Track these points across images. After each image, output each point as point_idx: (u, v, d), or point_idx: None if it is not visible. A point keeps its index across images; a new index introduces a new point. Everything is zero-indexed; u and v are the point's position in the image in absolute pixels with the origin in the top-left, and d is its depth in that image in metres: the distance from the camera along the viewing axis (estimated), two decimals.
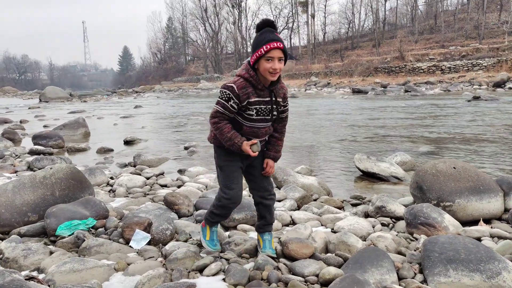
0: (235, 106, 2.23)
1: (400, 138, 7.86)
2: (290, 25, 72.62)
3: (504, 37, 37.42)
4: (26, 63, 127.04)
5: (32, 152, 6.37)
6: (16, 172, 4.88)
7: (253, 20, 76.33)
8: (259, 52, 2.21)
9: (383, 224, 3.09)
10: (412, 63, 32.33)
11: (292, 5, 68.14)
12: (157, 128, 10.82)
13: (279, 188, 4.01)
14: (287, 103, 2.46)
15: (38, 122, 12.35)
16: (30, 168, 5.09)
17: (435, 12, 53.39)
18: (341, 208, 3.66)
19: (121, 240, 2.62)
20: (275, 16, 74.93)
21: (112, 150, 6.95)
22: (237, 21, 70.54)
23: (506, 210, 3.25)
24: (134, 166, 5.33)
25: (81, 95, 35.00)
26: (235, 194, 2.37)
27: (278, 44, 2.22)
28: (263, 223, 2.55)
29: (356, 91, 26.64)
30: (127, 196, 3.77)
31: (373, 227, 2.98)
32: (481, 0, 45.57)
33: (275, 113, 2.34)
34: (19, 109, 20.21)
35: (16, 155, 6.21)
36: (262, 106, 2.28)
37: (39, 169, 5.01)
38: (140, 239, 2.53)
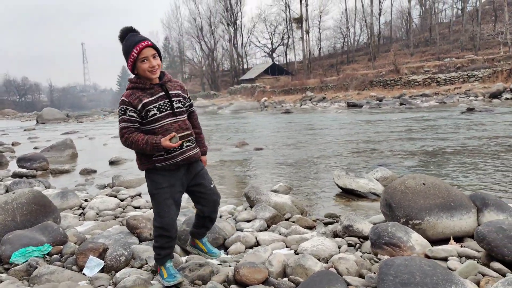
0: (134, 115, 2.25)
1: (386, 152, 7.80)
2: (286, 41, 73.25)
3: (499, 47, 37.62)
4: (26, 85, 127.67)
5: (15, 175, 6.31)
6: (13, 191, 4.82)
7: (248, 37, 77.02)
8: (132, 57, 2.27)
9: (349, 245, 2.99)
10: (407, 76, 32.42)
11: (286, 22, 68.76)
12: None
13: (251, 208, 3.94)
14: (189, 96, 2.52)
15: (29, 144, 12.31)
16: (7, 191, 5.02)
17: (430, 24, 53.81)
18: (312, 227, 3.59)
19: (74, 267, 2.53)
20: (270, 33, 75.64)
21: (95, 171, 6.89)
22: (232, 38, 71.11)
23: None
24: (112, 187, 5.27)
25: (78, 116, 35.11)
26: (167, 223, 2.35)
27: (146, 42, 2.28)
28: (204, 231, 2.67)
29: (351, 105, 26.68)
30: (97, 220, 3.70)
31: (339, 247, 2.90)
32: (475, 11, 46.00)
33: (178, 104, 2.36)
34: (15, 131, 20.22)
35: None
36: (160, 102, 2.29)
37: None
38: (93, 266, 2.45)
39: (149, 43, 2.30)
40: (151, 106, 2.26)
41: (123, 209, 4.10)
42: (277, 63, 70.60)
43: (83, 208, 4.11)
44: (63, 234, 2.81)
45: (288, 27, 69.12)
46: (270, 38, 77.26)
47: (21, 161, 6.94)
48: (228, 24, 69.29)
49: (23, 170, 6.43)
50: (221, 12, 69.63)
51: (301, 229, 3.24)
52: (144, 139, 2.23)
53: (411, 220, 3.07)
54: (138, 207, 4.14)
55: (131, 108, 2.24)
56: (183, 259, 2.69)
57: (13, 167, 7.44)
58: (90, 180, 6.06)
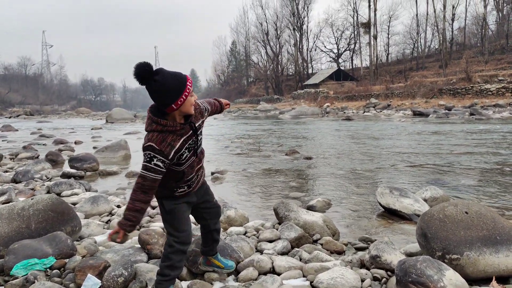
0: (161, 165, 2.11)
1: (445, 167, 7.23)
2: (352, 46, 71.82)
3: None
4: (102, 86, 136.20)
5: (64, 175, 6.55)
6: (33, 197, 5.00)
7: (314, 42, 76.50)
8: (187, 91, 2.13)
9: (375, 279, 2.68)
10: (480, 85, 30.41)
11: (354, 27, 67.46)
12: None
13: (279, 224, 3.74)
14: (206, 108, 2.46)
15: (91, 143, 12.91)
16: (49, 192, 5.19)
17: (507, 31, 50.23)
18: (341, 252, 3.31)
19: (72, 285, 2.43)
20: (337, 38, 74.59)
21: None
22: (298, 43, 70.92)
23: None
24: None
25: (145, 116, 36.55)
26: (188, 235, 2.34)
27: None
28: (215, 245, 2.64)
29: (417, 114, 25.47)
30: None
31: (362, 281, 2.62)
32: None
33: (200, 136, 2.36)
34: (83, 129, 21.41)
35: (48, 178, 6.42)
36: (189, 142, 2.22)
37: (58, 194, 5.12)
38: (90, 285, 2.33)
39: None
40: (183, 150, 2.18)
41: (152, 217, 4.05)
42: (342, 68, 69.49)
43: (113, 215, 4.11)
44: (71, 246, 2.75)
45: (355, 32, 67.91)
46: (336, 43, 76.20)
47: (72, 161, 7.21)
48: (294, 29, 69.28)
49: (72, 171, 6.67)
50: (288, 17, 69.81)
51: (324, 256, 2.97)
52: (131, 203, 2.16)
53: (448, 254, 2.72)
54: None
55: (160, 158, 2.11)
56: (184, 284, 2.53)
57: (67, 167, 7.77)
58: (132, 184, 6.14)
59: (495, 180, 6.05)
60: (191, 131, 2.22)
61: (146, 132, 2.19)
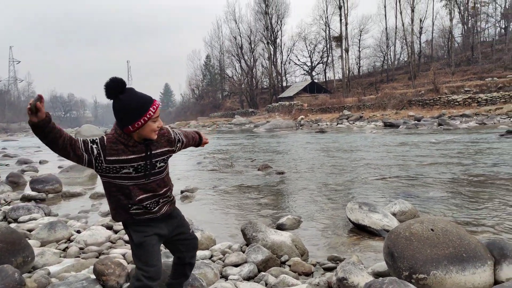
0: (95, 152, 2.03)
1: (413, 179, 7.28)
2: (325, 59, 72.91)
3: None
4: (72, 102, 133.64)
5: (24, 198, 6.27)
6: None
7: (288, 55, 77.28)
8: (149, 115, 2.06)
9: None
10: (447, 96, 31.23)
11: (326, 40, 68.56)
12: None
13: (247, 246, 3.62)
14: (181, 140, 2.41)
15: (57, 162, 12.50)
16: (5, 218, 4.93)
17: (472, 43, 52.02)
18: (309, 274, 3.23)
19: None
20: (310, 51, 75.62)
21: None
22: (272, 56, 71.49)
23: (496, 283, 2.70)
24: None
25: None
26: (157, 271, 2.20)
27: (158, 102, 2.15)
28: (183, 280, 2.53)
29: (388, 125, 25.90)
30: (78, 257, 3.48)
31: None
32: None
33: (161, 164, 2.24)
34: None
35: (7, 202, 6.13)
36: (140, 163, 2.12)
37: (15, 219, 4.87)
38: None
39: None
40: (126, 165, 2.08)
41: (113, 243, 3.87)
42: (316, 81, 70.32)
43: (71, 241, 3.91)
44: (18, 280, 2.55)
45: (328, 46, 68.96)
46: (310, 56, 77.24)
47: (34, 183, 6.91)
48: (268, 43, 69.84)
49: (34, 193, 6.39)
50: (261, 31, 70.35)
51: (291, 280, 2.86)
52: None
53: (414, 273, 2.66)
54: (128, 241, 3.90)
55: (99, 148, 2.03)
56: None
57: (28, 189, 7.45)
58: (96, 206, 5.92)
59: (462, 192, 6.11)
60: (144, 154, 2.12)
61: None
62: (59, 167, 10.87)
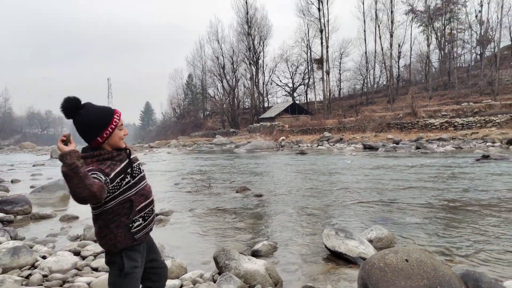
0: (102, 177, 1.99)
1: (391, 204, 7.28)
2: (306, 81, 73.85)
3: None
4: (50, 119, 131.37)
5: None
6: None
7: (270, 76, 78.03)
8: (114, 123, 2.13)
9: None
10: (425, 119, 31.83)
11: (308, 62, 69.54)
12: None
13: (220, 275, 3.51)
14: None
15: (30, 181, 12.16)
16: None
17: (449, 68, 53.48)
18: None
19: None
20: (291, 73, 76.60)
21: (77, 217, 6.55)
22: (254, 77, 72.02)
23: None
24: (81, 240, 4.90)
25: None
26: None
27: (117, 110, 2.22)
28: None
29: (367, 147, 26.13)
30: (41, 285, 3.31)
31: None
32: (494, 57, 45.58)
33: (142, 169, 2.30)
34: (24, 166, 20.28)
35: None
36: (129, 168, 2.17)
37: None
38: None
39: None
40: (124, 175, 2.11)
41: (79, 270, 3.71)
42: (297, 102, 71.01)
43: (35, 268, 3.73)
44: None
45: (309, 68, 69.95)
46: (291, 78, 78.18)
47: (2, 203, 6.65)
48: (250, 63, 70.44)
49: (1, 215, 6.15)
50: (244, 51, 70.99)
51: None
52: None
53: None
54: (96, 269, 3.74)
55: (100, 174, 1.99)
56: None
57: None
58: (65, 229, 5.71)
59: (438, 217, 6.12)
60: (128, 159, 2.17)
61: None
62: (31, 186, 10.55)
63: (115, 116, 2.15)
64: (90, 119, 2.08)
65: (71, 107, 2.07)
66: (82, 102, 2.12)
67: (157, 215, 6.66)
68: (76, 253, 4.23)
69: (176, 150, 38.89)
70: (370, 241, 4.66)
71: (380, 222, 5.91)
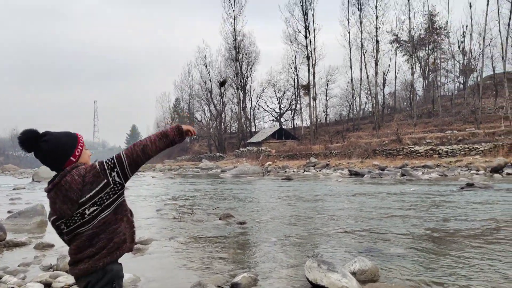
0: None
1: (376, 233, 7.19)
2: (293, 106, 74.48)
3: (500, 122, 37.61)
4: None
5: None
6: None
7: (257, 101, 78.58)
8: (81, 143, 2.18)
9: None
10: (410, 146, 32.14)
11: (295, 88, 70.30)
12: None
13: None
14: None
15: (8, 206, 11.83)
16: None
17: (433, 97, 54.49)
18: None
19: None
20: (279, 98, 77.25)
21: (52, 245, 6.32)
22: (241, 102, 72.40)
23: None
24: (54, 270, 4.69)
25: None
26: None
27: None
28: None
29: (353, 174, 26.16)
30: None
31: None
32: (476, 86, 46.64)
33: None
34: (4, 189, 19.82)
35: None
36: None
37: None
38: None
39: None
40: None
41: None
42: (284, 127, 71.45)
43: None
44: None
45: (296, 93, 70.66)
46: (279, 103, 78.83)
47: None
48: (237, 88, 70.93)
49: None
50: (232, 76, 71.55)
51: None
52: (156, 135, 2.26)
53: None
54: None
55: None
56: None
57: None
58: (39, 258, 5.48)
59: (423, 247, 6.05)
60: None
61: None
62: (9, 211, 10.24)
63: (79, 136, 2.21)
64: (61, 141, 2.08)
65: (33, 137, 2.03)
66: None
67: (136, 243, 6.47)
68: (47, 285, 4.03)
69: (161, 174, 38.54)
70: (354, 273, 4.54)
71: (364, 252, 5.81)
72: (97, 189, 2.03)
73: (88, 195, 2.02)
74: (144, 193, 17.00)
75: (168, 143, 2.26)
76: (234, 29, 65.85)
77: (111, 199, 2.08)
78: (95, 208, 2.04)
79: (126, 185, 2.21)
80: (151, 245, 6.60)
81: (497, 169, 21.36)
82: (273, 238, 7.05)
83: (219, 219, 9.19)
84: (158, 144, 2.21)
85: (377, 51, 53.53)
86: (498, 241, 6.32)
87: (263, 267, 5.21)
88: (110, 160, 2.14)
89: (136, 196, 15.06)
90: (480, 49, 45.74)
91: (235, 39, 66.27)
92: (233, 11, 64.83)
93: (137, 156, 2.16)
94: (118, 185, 2.12)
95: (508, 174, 20.53)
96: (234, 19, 65.20)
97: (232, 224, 8.50)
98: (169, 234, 7.50)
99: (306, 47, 58.35)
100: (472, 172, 22.46)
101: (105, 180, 2.07)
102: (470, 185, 14.38)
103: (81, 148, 2.16)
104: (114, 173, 2.10)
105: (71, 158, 2.10)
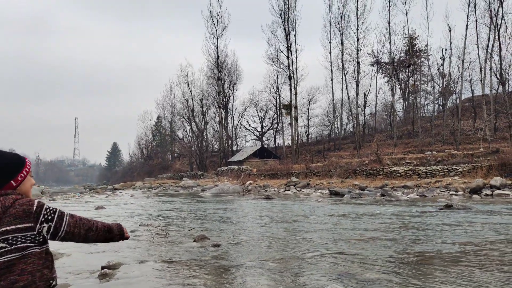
0: None
1: (352, 256, 7.04)
2: (275, 125, 74.76)
3: (479, 143, 38.31)
4: None
5: None
6: None
7: (239, 120, 78.69)
8: (28, 167, 2.01)
9: None
10: (390, 167, 32.37)
11: (277, 108, 70.72)
12: None
13: None
14: None
15: None
16: None
17: (412, 118, 55.36)
18: None
19: None
20: (260, 117, 77.55)
21: None
22: (223, 120, 72.37)
23: None
24: None
25: (54, 193, 34.00)
26: None
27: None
28: None
29: (334, 193, 26.14)
30: None
31: None
32: (455, 108, 47.58)
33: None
34: None
35: None
36: None
37: None
38: None
39: None
40: None
41: None
42: (266, 146, 71.52)
43: None
44: None
45: (278, 113, 71.04)
46: (260, 122, 79.15)
47: None
48: (219, 107, 70.93)
49: None
50: (213, 95, 71.59)
51: None
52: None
53: None
54: None
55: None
56: None
57: None
58: None
59: (399, 272, 5.91)
60: None
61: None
62: None
63: (27, 161, 2.03)
64: (5, 159, 1.93)
65: None
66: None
67: (102, 267, 6.18)
68: None
69: (140, 193, 37.91)
70: None
71: (339, 277, 5.65)
72: (18, 226, 1.80)
73: (4, 228, 1.80)
74: (121, 212, 16.57)
75: (108, 238, 2.26)
76: (217, 48, 66.21)
77: (25, 245, 1.82)
78: (3, 245, 1.78)
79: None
80: (119, 269, 6.31)
81: (476, 190, 21.57)
82: (247, 262, 6.84)
83: (194, 241, 8.94)
84: (101, 235, 2.19)
85: (358, 72, 54.36)
86: (474, 264, 6.23)
87: None
88: (52, 211, 1.95)
89: (112, 216, 14.66)
90: (459, 72, 46.90)
91: (218, 58, 66.57)
92: (216, 30, 65.30)
93: (78, 233, 2.04)
94: (41, 236, 1.89)
95: (486, 195, 20.73)
96: (217, 38, 65.62)
97: (207, 247, 8.26)
98: (140, 258, 7.22)
99: (288, 67, 58.93)
100: (451, 193, 22.63)
101: (32, 224, 1.85)
102: (448, 207, 14.41)
103: (25, 173, 1.99)
104: (45, 225, 1.90)
105: (12, 182, 1.92)
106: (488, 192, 21.11)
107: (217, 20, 65.13)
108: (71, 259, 7.17)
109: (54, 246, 8.10)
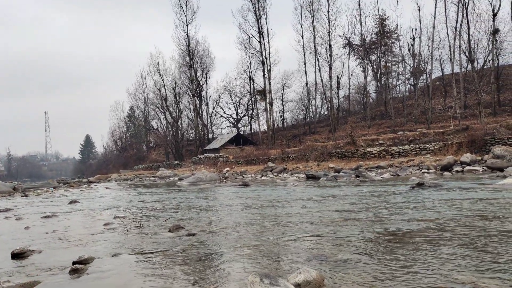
0: None
1: (325, 238, 7.12)
2: (250, 112, 74.66)
3: (449, 121, 39.21)
4: None
5: None
6: None
7: (214, 107, 78.22)
8: None
9: None
10: (364, 148, 32.86)
11: (251, 94, 70.54)
12: (67, 231, 9.66)
13: None
14: None
15: None
16: None
17: (385, 99, 56.12)
18: None
19: None
20: (235, 104, 77.26)
21: None
22: (197, 108, 71.81)
23: None
24: None
25: (26, 188, 33.18)
26: None
27: None
28: None
29: (310, 177, 26.43)
30: None
31: None
32: (426, 87, 48.44)
33: None
34: None
35: None
36: None
37: None
38: None
39: None
40: None
41: None
42: (242, 133, 71.46)
43: None
44: None
45: (253, 99, 70.90)
46: (235, 109, 78.89)
47: None
48: (193, 95, 70.28)
49: None
50: (186, 83, 70.85)
51: None
52: None
53: None
54: None
55: None
56: None
57: None
58: None
59: (372, 252, 6.00)
60: None
61: None
62: None
63: None
64: None
65: None
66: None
67: (74, 263, 6.07)
68: None
69: (116, 185, 37.42)
70: (298, 285, 4.40)
71: (312, 259, 5.70)
72: None
73: None
74: (95, 205, 16.30)
75: None
76: (187, 35, 65.34)
77: None
78: None
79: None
80: (92, 264, 6.20)
81: (447, 167, 22.13)
82: (222, 249, 6.83)
83: (169, 231, 8.87)
84: None
85: (330, 55, 54.60)
86: (446, 242, 6.39)
87: (208, 282, 4.98)
88: None
89: (86, 210, 14.40)
90: (429, 51, 47.63)
91: (189, 45, 65.73)
92: (186, 16, 64.38)
93: None
94: None
95: (457, 171, 21.30)
96: (187, 25, 64.73)
97: (182, 237, 8.20)
98: (113, 251, 7.11)
99: (261, 52, 58.75)
100: (423, 171, 23.15)
101: None
102: (420, 185, 14.73)
103: None
104: None
105: None
106: (459, 168, 21.69)
107: (186, 6, 64.25)
108: (42, 255, 7.01)
109: (25, 243, 7.92)
